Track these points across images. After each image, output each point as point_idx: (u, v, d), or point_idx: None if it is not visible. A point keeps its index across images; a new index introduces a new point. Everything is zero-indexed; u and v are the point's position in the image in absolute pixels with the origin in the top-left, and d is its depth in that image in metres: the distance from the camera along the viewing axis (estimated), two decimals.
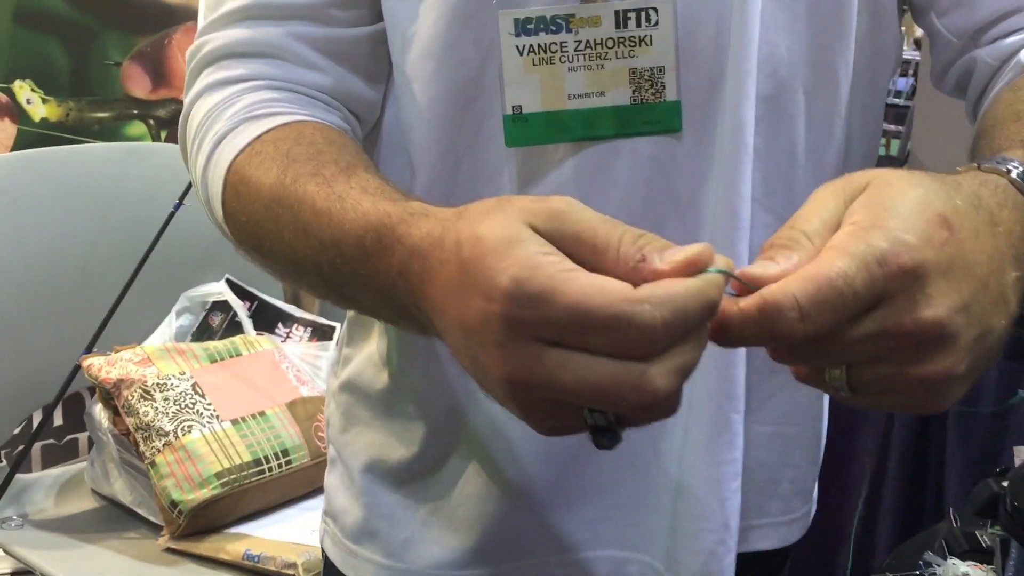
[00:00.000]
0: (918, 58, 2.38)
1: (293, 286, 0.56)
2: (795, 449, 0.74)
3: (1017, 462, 1.25)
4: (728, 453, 0.66)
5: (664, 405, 0.41)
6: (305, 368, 1.71)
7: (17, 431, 1.76)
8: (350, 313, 0.74)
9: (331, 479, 0.77)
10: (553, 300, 0.39)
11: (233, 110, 0.62)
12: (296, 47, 0.64)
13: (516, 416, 0.44)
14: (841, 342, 0.42)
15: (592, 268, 0.41)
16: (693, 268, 0.41)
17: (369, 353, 0.73)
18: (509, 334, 0.40)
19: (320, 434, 1.55)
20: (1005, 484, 0.84)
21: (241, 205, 0.59)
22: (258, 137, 0.60)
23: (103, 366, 1.47)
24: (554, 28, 0.60)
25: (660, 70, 0.61)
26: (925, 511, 1.81)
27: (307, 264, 0.55)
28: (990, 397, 1.75)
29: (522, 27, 0.60)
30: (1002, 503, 0.82)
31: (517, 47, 0.60)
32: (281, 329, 1.84)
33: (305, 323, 1.86)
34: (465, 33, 0.62)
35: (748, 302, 0.41)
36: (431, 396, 0.70)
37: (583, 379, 0.40)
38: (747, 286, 0.42)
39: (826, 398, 0.78)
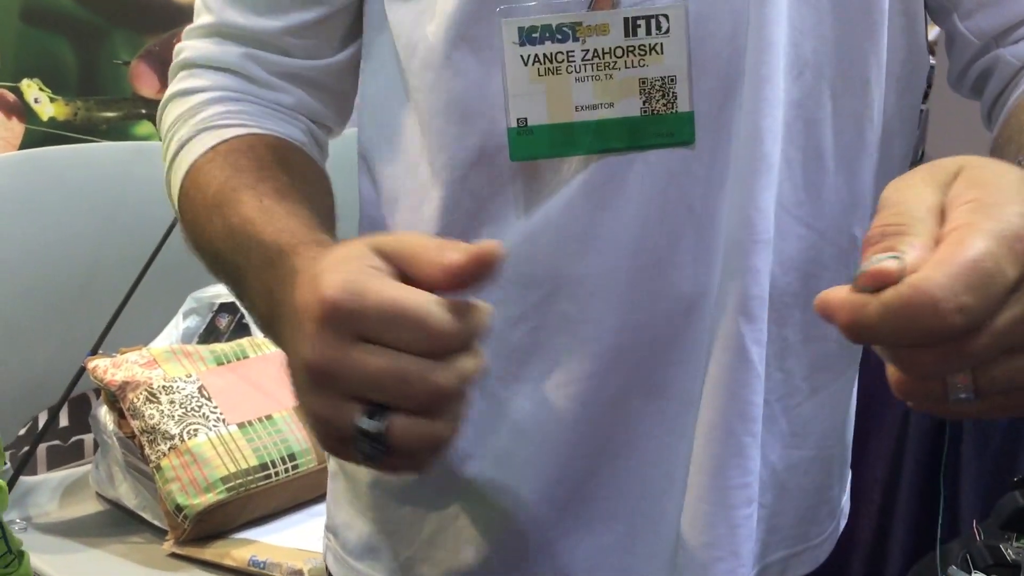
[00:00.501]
0: (932, 62, 2.37)
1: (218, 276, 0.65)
2: (834, 469, 0.73)
3: None
4: (740, 478, 0.64)
5: (441, 402, 0.45)
6: None
7: (22, 432, 1.75)
8: None
9: (334, 492, 0.75)
10: (369, 295, 0.45)
11: (196, 119, 0.66)
12: (255, 70, 0.68)
13: (305, 419, 0.50)
14: (988, 334, 0.37)
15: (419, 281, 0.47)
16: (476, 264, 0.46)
17: None
18: (327, 322, 0.45)
19: None
20: None
21: (189, 205, 0.65)
22: (213, 147, 0.64)
23: (109, 368, 1.46)
24: (560, 37, 0.58)
25: (671, 79, 0.59)
26: (940, 520, 1.79)
27: (225, 264, 0.61)
28: None
29: (527, 36, 0.58)
30: None
31: (521, 57, 0.58)
32: None
33: None
34: (464, 43, 0.60)
35: (890, 295, 0.37)
36: None
37: (381, 367, 0.44)
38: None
39: (853, 410, 0.76)
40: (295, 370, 0.49)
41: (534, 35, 0.58)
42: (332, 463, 0.76)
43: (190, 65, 0.69)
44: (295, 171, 0.64)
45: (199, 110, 0.67)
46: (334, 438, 0.48)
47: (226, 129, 0.65)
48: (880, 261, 0.38)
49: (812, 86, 0.61)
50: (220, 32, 0.68)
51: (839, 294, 0.39)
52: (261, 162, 0.63)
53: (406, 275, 0.47)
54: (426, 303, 0.45)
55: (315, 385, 0.46)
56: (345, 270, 0.46)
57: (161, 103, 0.71)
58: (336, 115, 0.73)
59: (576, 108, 0.59)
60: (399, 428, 0.45)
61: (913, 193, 0.40)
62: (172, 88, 0.70)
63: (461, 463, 0.68)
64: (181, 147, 0.66)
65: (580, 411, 0.64)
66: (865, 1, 0.62)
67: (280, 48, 0.68)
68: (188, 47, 0.70)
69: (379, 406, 0.45)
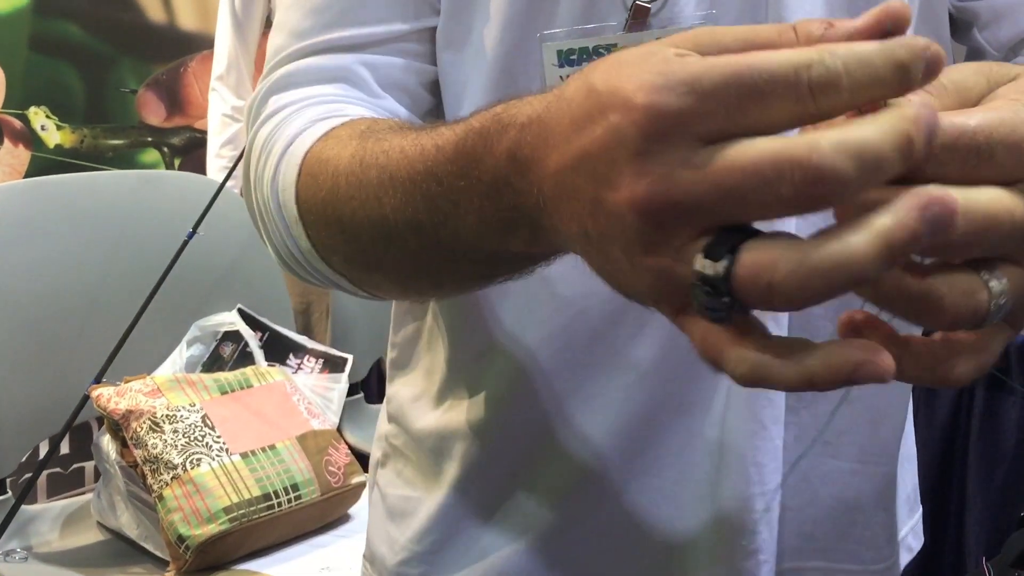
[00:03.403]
0: None
1: (375, 272, 0.54)
2: (886, 490, 0.72)
3: None
4: (776, 479, 0.65)
5: (831, 187, 0.30)
6: (316, 400, 1.68)
7: (23, 460, 1.74)
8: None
9: (375, 519, 0.75)
10: (709, 76, 0.31)
11: (302, 119, 0.60)
12: (363, 73, 0.63)
13: (637, 288, 0.36)
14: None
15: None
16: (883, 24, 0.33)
17: (414, 393, 0.72)
18: (651, 135, 0.32)
19: (331, 468, 1.53)
20: None
21: (318, 183, 0.55)
22: (330, 131, 0.57)
23: (112, 396, 1.45)
24: (597, 58, 0.60)
25: None
26: (945, 553, 1.77)
27: (396, 218, 0.48)
28: (1011, 438, 1.73)
29: (565, 58, 0.60)
30: None
31: (561, 77, 0.60)
32: (292, 360, 1.82)
33: (317, 354, 1.84)
34: (505, 75, 0.62)
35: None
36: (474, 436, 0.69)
37: (735, 163, 0.31)
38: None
39: (908, 436, 0.76)
40: (607, 227, 0.35)
41: (572, 57, 0.60)
42: (376, 492, 0.76)
43: (288, 85, 0.63)
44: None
45: (301, 112, 0.61)
46: (679, 297, 0.35)
47: (339, 118, 0.58)
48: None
49: None
50: (323, 49, 0.63)
51: None
52: (391, 124, 0.55)
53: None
54: (799, 53, 0.31)
55: (650, 229, 0.33)
56: (659, 61, 0.32)
57: (250, 134, 0.64)
58: None
59: None
60: (749, 261, 0.31)
61: (959, 72, 0.37)
62: (268, 109, 0.63)
63: (486, 483, 0.69)
64: (290, 143, 0.58)
65: (610, 427, 0.65)
66: None
67: (399, 51, 0.64)
68: (273, 76, 0.64)
69: (734, 232, 0.32)
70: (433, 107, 0.67)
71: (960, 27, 0.69)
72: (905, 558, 0.76)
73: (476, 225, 0.44)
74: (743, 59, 0.31)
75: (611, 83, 0.33)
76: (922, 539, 0.80)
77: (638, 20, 0.61)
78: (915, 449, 0.80)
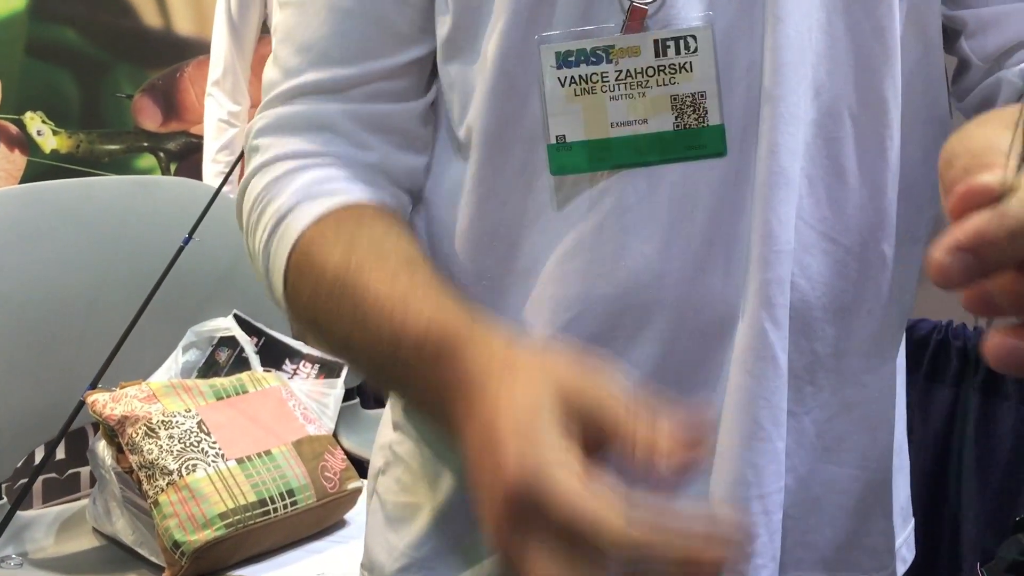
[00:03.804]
0: None
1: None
2: (884, 495, 0.72)
3: None
4: (776, 483, 0.65)
5: None
6: (312, 406, 1.68)
7: (18, 465, 1.74)
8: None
9: (373, 527, 0.75)
10: (552, 497, 0.42)
11: (293, 187, 0.64)
12: (347, 124, 0.66)
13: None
14: None
15: (608, 441, 0.45)
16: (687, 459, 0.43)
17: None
18: (507, 509, 0.44)
19: (327, 474, 1.52)
20: None
21: (303, 283, 0.62)
22: (321, 216, 0.62)
23: (108, 402, 1.45)
24: (595, 60, 0.62)
25: (702, 95, 0.62)
26: (941, 559, 1.77)
27: (360, 352, 0.59)
28: (1006, 444, 1.73)
29: (563, 60, 0.62)
30: None
31: (559, 79, 0.62)
32: (288, 365, 1.81)
33: (312, 359, 1.84)
34: (505, 77, 0.63)
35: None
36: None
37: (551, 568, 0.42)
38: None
39: (902, 447, 0.76)
40: (476, 493, 0.48)
41: (570, 58, 0.62)
42: (376, 501, 0.75)
43: (277, 130, 0.67)
44: (405, 236, 0.62)
45: (294, 176, 0.64)
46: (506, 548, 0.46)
47: (328, 198, 0.63)
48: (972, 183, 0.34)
49: (830, 107, 0.63)
50: (308, 91, 0.66)
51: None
52: (375, 234, 0.61)
53: (598, 435, 0.45)
54: (606, 523, 0.41)
55: (498, 540, 0.46)
56: (529, 443, 0.44)
57: (244, 178, 0.67)
58: (415, 170, 0.69)
59: (612, 125, 0.62)
60: None
61: (984, 134, 0.38)
62: (259, 158, 0.67)
63: None
64: (282, 218, 0.63)
65: None
66: (878, 28, 0.63)
67: (373, 94, 0.66)
68: (266, 115, 0.67)
69: None
70: (425, 135, 0.69)
71: (949, 36, 0.68)
72: (900, 569, 0.76)
73: (412, 398, 0.59)
74: (587, 513, 0.41)
75: (496, 450, 0.45)
76: (913, 550, 0.80)
77: (635, 22, 0.62)
78: (908, 461, 0.80)
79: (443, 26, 0.65)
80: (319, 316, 0.61)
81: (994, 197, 0.34)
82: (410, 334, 0.54)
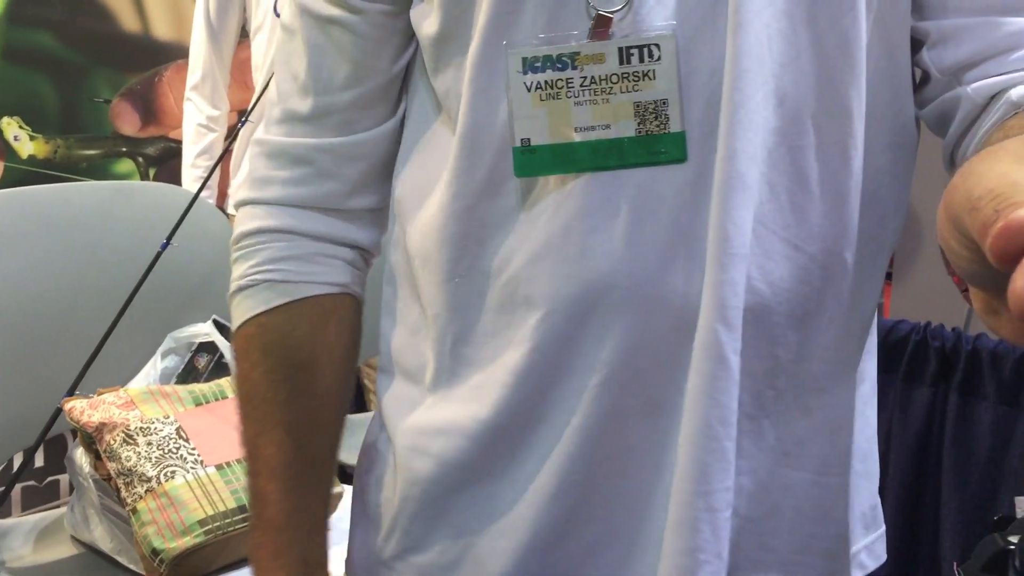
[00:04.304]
0: None
1: None
2: (842, 500, 0.73)
3: (1019, 513, 1.23)
4: (723, 482, 0.66)
5: None
6: None
7: None
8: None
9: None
10: None
11: (253, 261, 0.76)
12: (320, 158, 0.74)
13: None
14: None
15: None
16: None
17: (396, 396, 0.77)
18: None
19: None
20: (1012, 540, 0.81)
21: (236, 360, 0.77)
22: (256, 317, 0.75)
23: (85, 409, 1.44)
24: (560, 66, 0.63)
25: (664, 103, 0.63)
26: (921, 558, 1.78)
27: (245, 446, 0.78)
28: (985, 443, 1.74)
29: (529, 65, 0.64)
30: (1011, 561, 0.80)
31: (525, 84, 0.64)
32: None
33: None
34: (475, 84, 0.66)
35: None
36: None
37: None
38: None
39: (871, 455, 0.76)
40: None
41: (536, 64, 0.64)
42: (358, 502, 0.79)
43: (267, 154, 0.76)
44: (306, 411, 0.75)
45: (257, 250, 0.76)
46: None
47: (278, 295, 0.75)
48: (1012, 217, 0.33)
49: (794, 115, 0.64)
50: (297, 118, 0.74)
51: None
52: (275, 410, 0.75)
53: None
54: None
55: None
56: None
57: (243, 190, 0.77)
58: (383, 195, 0.77)
59: (576, 129, 0.64)
60: None
61: (1001, 171, 0.37)
62: (254, 176, 0.77)
63: (461, 482, 0.70)
64: (239, 290, 0.76)
65: (578, 430, 0.67)
66: (843, 38, 0.64)
67: (360, 117, 0.74)
68: (267, 142, 0.76)
69: None
70: (386, 162, 0.76)
71: (914, 46, 0.69)
72: (856, 574, 0.77)
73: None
74: None
75: None
76: (882, 558, 0.80)
77: (601, 29, 0.63)
78: (878, 468, 0.80)
79: (430, 38, 0.69)
80: (236, 391, 0.77)
81: None
82: (260, 512, 0.75)
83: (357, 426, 0.80)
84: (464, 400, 0.70)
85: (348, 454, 0.78)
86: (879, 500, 0.80)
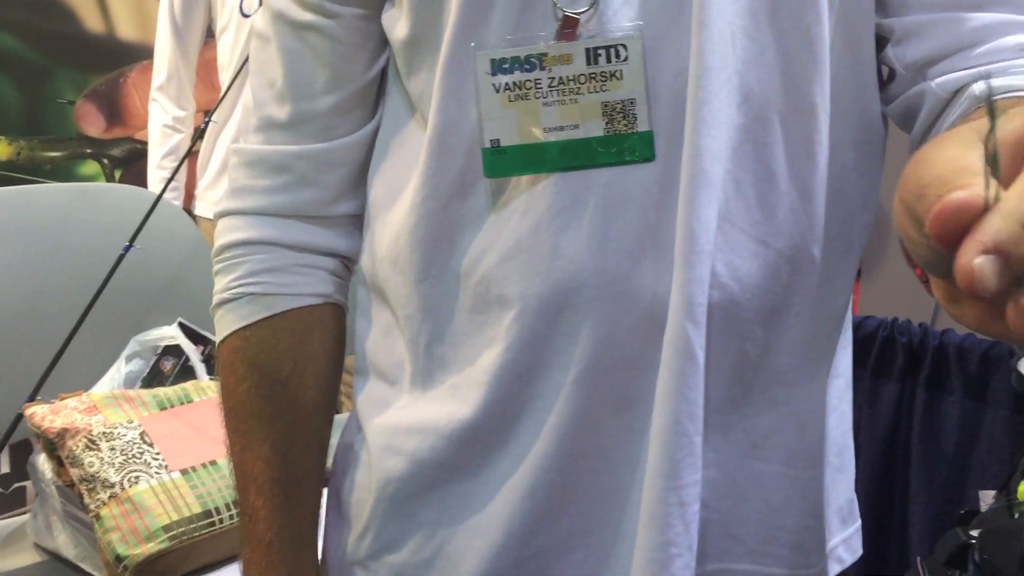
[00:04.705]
0: None
1: None
2: (811, 494, 0.73)
3: (983, 507, 1.24)
4: (692, 475, 0.66)
5: None
6: None
7: None
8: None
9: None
10: None
11: (235, 274, 0.76)
12: (300, 165, 0.74)
13: None
14: None
15: None
16: None
17: (371, 395, 0.77)
18: None
19: None
20: (974, 534, 0.82)
21: (220, 372, 0.77)
22: (240, 331, 0.75)
23: (47, 415, 1.42)
24: (528, 67, 0.64)
25: (631, 102, 0.63)
26: (890, 553, 1.79)
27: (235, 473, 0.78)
28: (952, 438, 1.76)
29: (498, 66, 0.64)
30: (971, 555, 0.80)
31: (493, 85, 0.64)
32: None
33: None
34: (445, 85, 0.67)
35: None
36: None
37: None
38: None
39: (846, 449, 0.77)
40: None
41: (504, 65, 0.64)
42: (332, 500, 0.79)
43: (246, 163, 0.76)
44: (292, 426, 0.76)
45: (239, 262, 0.75)
46: None
47: (260, 308, 0.75)
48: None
49: (759, 113, 0.64)
50: (274, 125, 0.74)
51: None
52: (261, 426, 0.75)
53: None
54: None
55: None
56: None
57: (223, 199, 0.77)
58: (360, 200, 0.77)
59: (544, 130, 0.65)
60: None
61: (947, 157, 0.37)
62: (234, 185, 0.76)
63: (435, 481, 0.70)
64: (222, 303, 0.77)
65: (553, 428, 0.67)
66: (806, 35, 0.64)
67: (326, 129, 0.73)
68: (245, 151, 0.76)
69: None
70: (364, 166, 0.76)
71: (879, 44, 0.69)
72: (834, 569, 0.77)
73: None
74: None
75: None
76: (859, 552, 0.80)
77: (568, 30, 0.63)
78: (853, 462, 0.80)
79: (401, 42, 0.69)
80: (225, 412, 0.77)
81: (979, 209, 0.34)
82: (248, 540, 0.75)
83: (333, 427, 0.80)
84: (440, 400, 0.70)
85: None
86: (855, 495, 0.80)
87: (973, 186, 0.35)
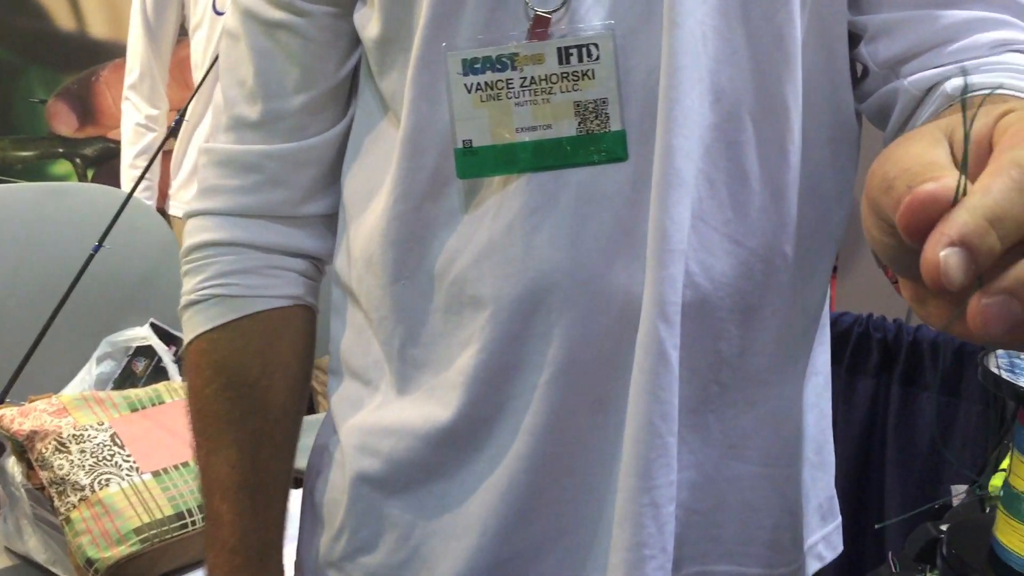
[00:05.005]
0: None
1: None
2: (789, 492, 0.73)
3: (955, 502, 1.25)
4: (666, 476, 0.66)
5: None
6: None
7: None
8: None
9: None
10: None
11: (203, 276, 0.74)
12: (270, 165, 0.73)
13: None
14: None
15: None
16: None
17: (345, 396, 0.76)
18: None
19: None
20: (943, 528, 0.82)
21: (188, 376, 0.76)
22: (208, 333, 0.74)
23: (16, 417, 1.41)
24: (500, 67, 0.64)
25: (604, 102, 0.63)
26: (867, 549, 1.80)
27: (200, 476, 0.77)
28: (927, 432, 1.76)
29: (469, 67, 0.64)
30: (939, 549, 0.80)
31: (465, 85, 0.64)
32: None
33: None
34: (417, 85, 0.66)
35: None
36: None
37: None
38: None
39: (826, 445, 0.76)
40: None
41: (476, 65, 0.64)
42: (306, 502, 0.78)
43: (215, 163, 0.74)
44: (260, 430, 0.74)
45: (207, 263, 0.74)
46: None
47: (229, 310, 0.74)
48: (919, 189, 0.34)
49: (731, 111, 0.64)
50: (244, 125, 0.73)
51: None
52: (228, 429, 0.74)
53: None
54: None
55: None
56: None
57: (193, 200, 0.76)
58: (332, 200, 0.76)
59: (517, 130, 0.64)
60: None
61: (916, 152, 0.37)
62: (202, 185, 0.75)
63: (414, 478, 0.70)
64: (188, 306, 0.75)
65: (528, 428, 0.67)
66: (777, 34, 0.64)
67: (298, 128, 0.73)
68: (214, 150, 0.75)
69: None
70: (335, 167, 0.75)
71: (852, 41, 0.69)
72: (814, 566, 0.77)
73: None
74: None
75: None
76: (839, 549, 0.80)
77: (539, 30, 0.63)
78: (833, 459, 0.80)
79: (373, 41, 0.68)
80: (192, 415, 0.76)
81: (947, 203, 0.34)
82: (214, 534, 0.75)
83: (307, 428, 0.79)
84: (416, 402, 0.70)
85: (298, 457, 0.77)
86: (835, 491, 0.80)
87: (943, 179, 0.35)
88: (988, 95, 0.41)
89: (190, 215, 0.76)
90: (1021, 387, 0.70)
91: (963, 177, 0.35)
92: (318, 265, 0.78)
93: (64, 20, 2.61)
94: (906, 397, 1.78)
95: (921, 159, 0.36)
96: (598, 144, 0.63)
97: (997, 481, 1.00)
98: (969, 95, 0.58)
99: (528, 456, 0.67)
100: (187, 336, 0.75)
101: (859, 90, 0.70)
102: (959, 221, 0.33)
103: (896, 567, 0.89)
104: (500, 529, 0.68)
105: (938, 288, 0.33)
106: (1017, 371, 0.72)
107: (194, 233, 0.75)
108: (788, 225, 0.67)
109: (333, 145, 0.74)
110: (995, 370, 0.71)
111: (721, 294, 0.66)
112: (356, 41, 0.72)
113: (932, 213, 0.34)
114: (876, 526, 1.55)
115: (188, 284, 0.75)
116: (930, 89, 0.64)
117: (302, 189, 0.74)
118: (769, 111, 0.65)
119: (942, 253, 0.33)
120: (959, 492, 1.33)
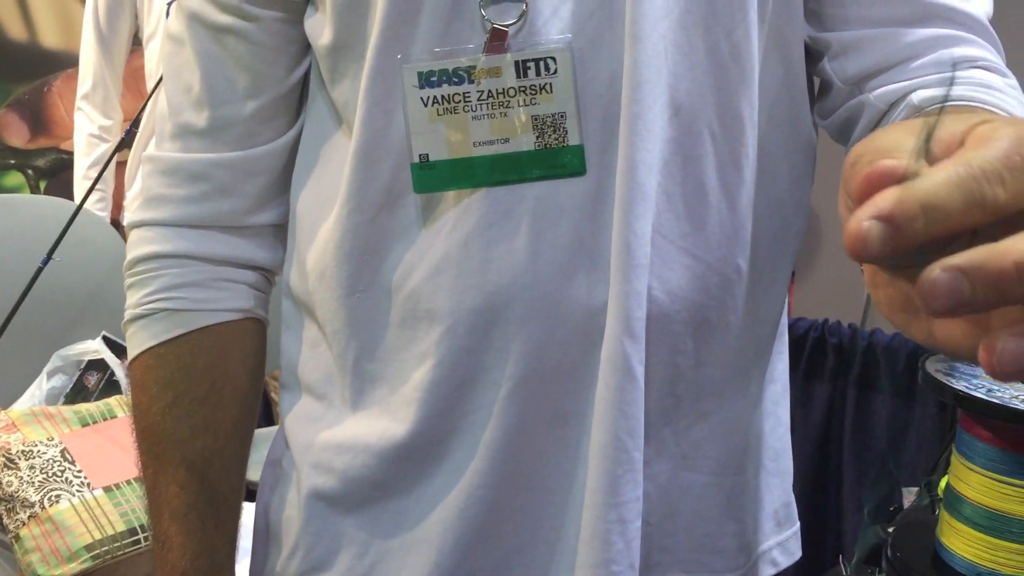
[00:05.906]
0: None
1: None
2: (737, 500, 0.73)
3: (906, 504, 1.26)
4: (633, 491, 0.65)
5: None
6: None
7: None
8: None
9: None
10: None
11: (148, 289, 0.72)
12: (218, 174, 0.71)
13: None
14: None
15: None
16: None
17: (299, 411, 0.75)
18: None
19: None
20: (891, 531, 0.83)
21: (133, 393, 0.74)
22: (154, 348, 0.72)
23: None
24: (456, 80, 0.63)
25: (562, 116, 0.62)
26: (825, 551, 1.82)
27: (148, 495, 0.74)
28: (881, 437, 1.78)
29: (425, 80, 0.63)
30: (884, 552, 0.81)
31: (421, 99, 0.63)
32: None
33: None
34: (371, 96, 0.65)
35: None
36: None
37: None
38: None
39: (783, 452, 0.77)
40: None
41: (432, 79, 0.63)
42: (260, 518, 0.77)
43: (160, 171, 0.72)
44: (209, 448, 0.72)
45: (154, 276, 0.72)
46: None
47: (175, 325, 0.72)
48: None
49: (689, 126, 0.64)
50: (190, 132, 0.71)
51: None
52: (177, 448, 0.72)
53: None
54: None
55: None
56: None
57: (135, 209, 0.74)
58: (283, 209, 0.74)
59: (474, 144, 0.63)
60: None
61: (889, 137, 0.38)
62: (146, 195, 0.73)
63: (370, 495, 0.69)
64: (133, 320, 0.73)
65: (486, 444, 0.66)
66: (735, 50, 0.65)
67: (248, 136, 0.71)
68: (158, 158, 0.73)
69: None
70: (285, 175, 0.74)
71: (814, 57, 0.70)
72: (767, 571, 0.77)
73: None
74: None
75: None
76: (796, 555, 0.80)
77: (497, 43, 0.62)
78: (791, 466, 0.80)
79: (325, 48, 0.67)
80: (135, 422, 0.73)
81: (898, 178, 0.35)
82: (163, 552, 0.72)
83: (261, 440, 0.77)
84: (370, 417, 0.69)
85: (251, 470, 0.75)
86: (793, 498, 0.80)
87: (904, 160, 0.36)
88: (976, 96, 0.42)
89: (133, 225, 0.74)
90: (959, 390, 0.71)
91: (921, 161, 0.36)
92: (268, 276, 0.77)
93: (15, 30, 2.58)
94: (862, 401, 1.80)
95: (891, 141, 0.37)
96: (556, 159, 0.63)
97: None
98: (948, 103, 0.60)
99: (486, 472, 0.66)
100: (131, 352, 0.73)
101: (822, 105, 0.71)
102: (892, 197, 0.34)
103: (846, 570, 0.90)
104: (458, 546, 0.67)
105: (854, 255, 0.34)
106: (956, 374, 0.73)
107: (138, 245, 0.73)
108: (745, 238, 0.68)
109: (283, 153, 0.72)
110: (934, 373, 0.71)
111: (678, 307, 0.66)
112: (306, 47, 0.70)
113: (883, 187, 0.35)
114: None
115: (132, 298, 0.73)
116: (895, 102, 0.65)
117: (251, 198, 0.72)
118: (726, 125, 0.65)
119: (865, 223, 0.34)
120: (911, 494, 1.34)
